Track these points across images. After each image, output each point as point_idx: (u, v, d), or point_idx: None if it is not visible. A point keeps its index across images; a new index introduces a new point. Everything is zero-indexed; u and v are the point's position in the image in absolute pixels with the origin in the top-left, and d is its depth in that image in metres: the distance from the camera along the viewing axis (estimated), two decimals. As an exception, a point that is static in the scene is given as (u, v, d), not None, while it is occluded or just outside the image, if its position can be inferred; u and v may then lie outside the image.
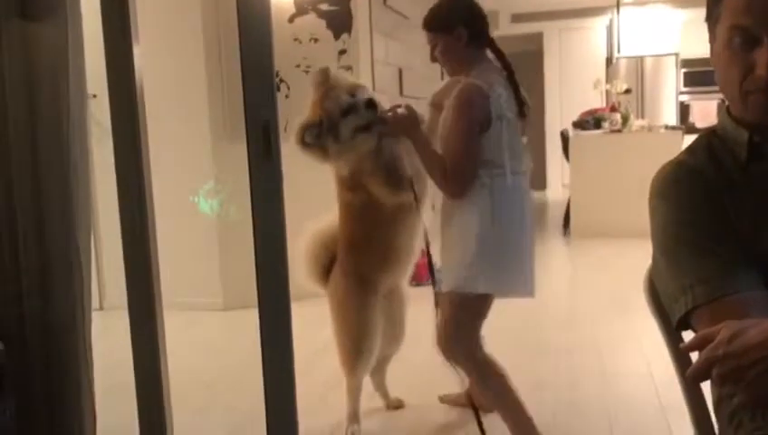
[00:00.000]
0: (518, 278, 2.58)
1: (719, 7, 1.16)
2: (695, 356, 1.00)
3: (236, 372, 3.50)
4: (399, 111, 2.57)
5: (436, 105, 2.60)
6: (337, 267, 2.80)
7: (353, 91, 2.57)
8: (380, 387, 3.12)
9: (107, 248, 4.49)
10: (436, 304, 2.60)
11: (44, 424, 1.89)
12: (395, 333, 2.93)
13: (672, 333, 1.25)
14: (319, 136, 2.48)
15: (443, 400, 3.17)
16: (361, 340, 2.73)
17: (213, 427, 3.08)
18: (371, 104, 2.54)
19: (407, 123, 2.53)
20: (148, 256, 1.88)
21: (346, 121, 2.50)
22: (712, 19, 1.19)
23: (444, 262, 2.58)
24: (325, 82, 2.56)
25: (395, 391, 3.17)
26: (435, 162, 2.46)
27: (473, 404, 2.63)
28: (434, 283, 2.67)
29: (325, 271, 2.84)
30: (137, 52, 1.91)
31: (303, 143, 2.47)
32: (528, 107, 2.63)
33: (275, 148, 1.85)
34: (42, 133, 1.90)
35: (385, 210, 2.64)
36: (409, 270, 2.85)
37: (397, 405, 3.10)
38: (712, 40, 1.21)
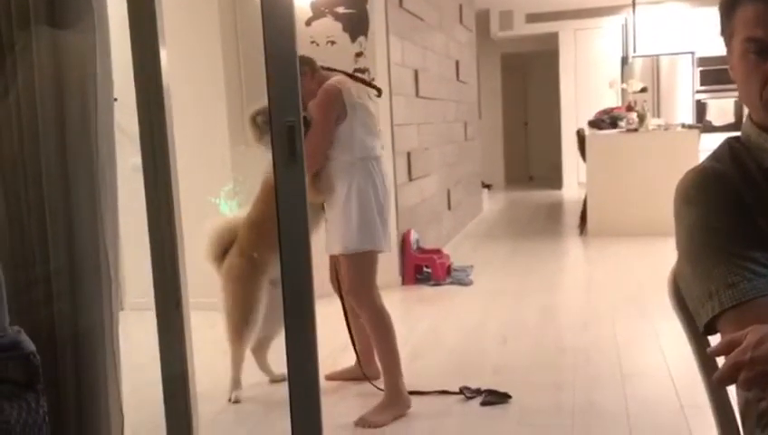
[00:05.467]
0: (388, 240, 3.15)
1: (732, 22, 1.19)
2: (720, 360, 1.01)
3: (255, 371, 3.53)
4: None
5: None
6: (234, 248, 3.28)
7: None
8: (263, 365, 3.48)
9: (127, 249, 4.53)
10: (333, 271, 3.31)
11: (74, 424, 1.92)
12: (276, 317, 3.17)
13: (698, 337, 1.26)
14: (266, 122, 2.93)
15: (330, 377, 3.46)
16: (249, 313, 3.20)
17: (234, 425, 3.11)
18: (306, 122, 3.04)
19: None
20: (175, 257, 1.91)
21: None
22: (726, 33, 1.22)
23: (338, 230, 3.06)
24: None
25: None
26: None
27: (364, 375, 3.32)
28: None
29: (222, 253, 3.29)
30: (164, 55, 1.93)
31: (253, 121, 3.11)
32: (380, 90, 3.32)
33: (300, 149, 1.88)
34: (70, 138, 1.93)
35: None
36: None
37: (281, 379, 3.34)
38: (729, 53, 1.23)
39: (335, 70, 3.29)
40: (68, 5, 1.88)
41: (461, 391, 3.25)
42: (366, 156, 3.09)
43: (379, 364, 3.20)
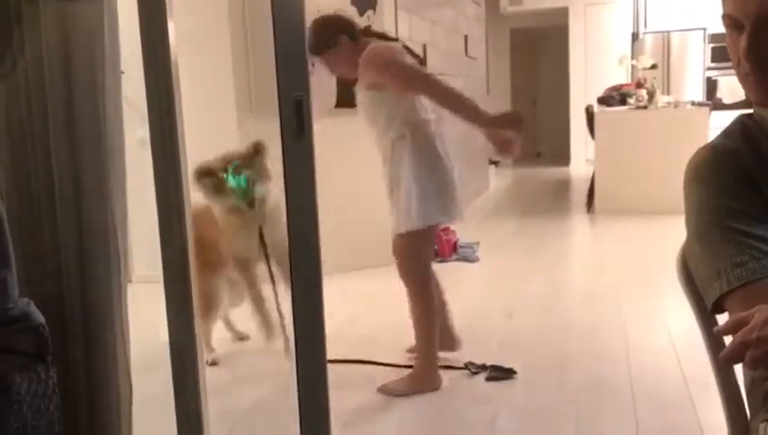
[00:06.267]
0: (456, 207, 3.06)
1: None
2: (728, 339, 1.01)
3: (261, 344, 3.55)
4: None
5: (372, 85, 2.95)
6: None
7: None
8: (228, 325, 3.88)
9: (135, 222, 4.55)
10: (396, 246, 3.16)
11: (83, 396, 1.94)
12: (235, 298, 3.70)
13: (706, 315, 1.26)
14: (213, 184, 3.28)
15: (412, 350, 3.38)
16: (212, 301, 3.50)
17: (242, 399, 3.14)
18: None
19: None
20: (184, 232, 1.92)
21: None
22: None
23: (398, 209, 2.98)
24: (257, 156, 3.29)
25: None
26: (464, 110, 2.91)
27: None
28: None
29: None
30: (172, 27, 1.92)
31: (200, 181, 3.23)
32: (420, 56, 3.21)
33: (308, 125, 1.87)
34: (79, 111, 1.93)
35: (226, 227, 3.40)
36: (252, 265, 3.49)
37: (242, 337, 3.82)
38: None
39: (371, 34, 3.12)
40: (75, -24, 1.86)
41: (466, 367, 3.26)
42: (416, 121, 2.96)
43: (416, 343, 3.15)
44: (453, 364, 3.28)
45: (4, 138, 1.91)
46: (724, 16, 1.17)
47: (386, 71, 2.89)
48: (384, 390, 3.07)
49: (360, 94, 3.00)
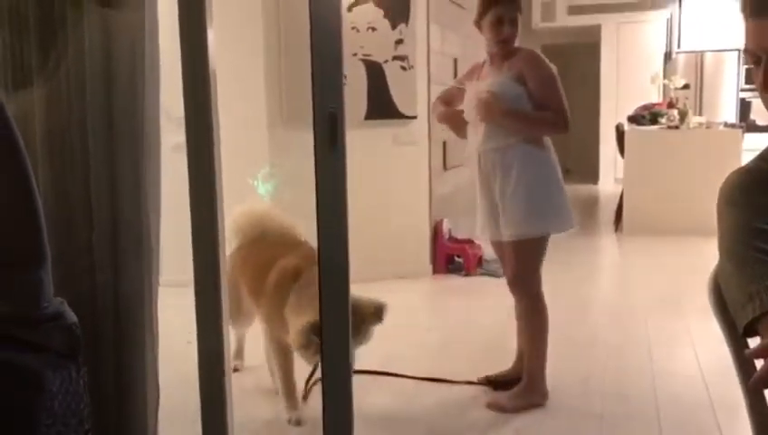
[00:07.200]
0: (568, 216, 3.05)
1: None
2: (759, 363, 1.00)
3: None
4: (484, 96, 2.97)
5: (519, 76, 2.96)
6: None
7: None
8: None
9: (165, 226, 4.60)
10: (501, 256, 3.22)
11: (112, 394, 1.97)
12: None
13: (737, 338, 1.25)
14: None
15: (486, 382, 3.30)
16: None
17: (263, 400, 3.16)
18: None
19: (493, 109, 2.94)
20: (216, 236, 1.95)
21: None
22: None
23: (509, 214, 2.98)
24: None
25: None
26: (539, 119, 2.93)
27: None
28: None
29: None
30: (212, 36, 1.96)
31: (308, 337, 2.62)
32: None
33: (341, 137, 1.89)
34: (117, 114, 1.97)
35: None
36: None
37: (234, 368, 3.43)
38: None
39: None
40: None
41: (487, 382, 3.24)
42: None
43: (526, 350, 3.11)
44: (472, 380, 3.27)
45: (44, 138, 1.96)
46: (745, 51, 1.21)
47: (542, 69, 2.95)
48: (495, 406, 2.98)
49: (495, 85, 2.97)
